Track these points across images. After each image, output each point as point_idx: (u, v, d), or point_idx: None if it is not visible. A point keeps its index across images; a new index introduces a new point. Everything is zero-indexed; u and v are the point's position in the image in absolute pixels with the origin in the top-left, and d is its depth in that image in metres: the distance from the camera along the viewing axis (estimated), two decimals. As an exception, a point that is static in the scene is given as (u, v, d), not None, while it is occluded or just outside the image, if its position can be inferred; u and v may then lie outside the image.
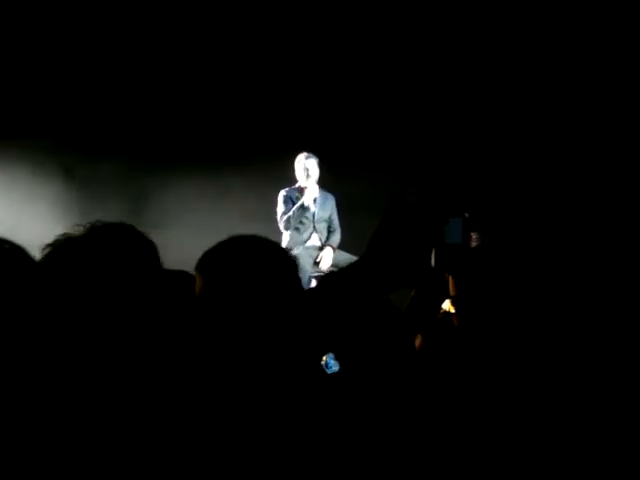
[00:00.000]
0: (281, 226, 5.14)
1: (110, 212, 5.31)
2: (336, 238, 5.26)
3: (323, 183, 5.27)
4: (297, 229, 5.13)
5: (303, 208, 5.12)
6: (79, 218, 1.26)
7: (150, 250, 1.23)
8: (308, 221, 5.16)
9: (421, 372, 1.58)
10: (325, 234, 5.24)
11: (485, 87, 5.70)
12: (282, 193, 5.20)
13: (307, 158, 5.19)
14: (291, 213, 5.11)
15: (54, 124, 5.91)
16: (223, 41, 5.91)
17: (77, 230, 1.19)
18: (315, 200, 5.20)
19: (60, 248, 1.18)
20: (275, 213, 5.20)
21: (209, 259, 1.30)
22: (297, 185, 5.23)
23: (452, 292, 1.84)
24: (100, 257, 1.16)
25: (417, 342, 1.82)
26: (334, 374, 1.48)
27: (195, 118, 6.03)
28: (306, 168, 5.16)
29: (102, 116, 5.98)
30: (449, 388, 1.55)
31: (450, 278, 1.84)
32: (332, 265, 5.07)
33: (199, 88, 6.01)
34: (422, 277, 1.25)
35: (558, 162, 5.51)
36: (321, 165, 5.23)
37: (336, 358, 1.27)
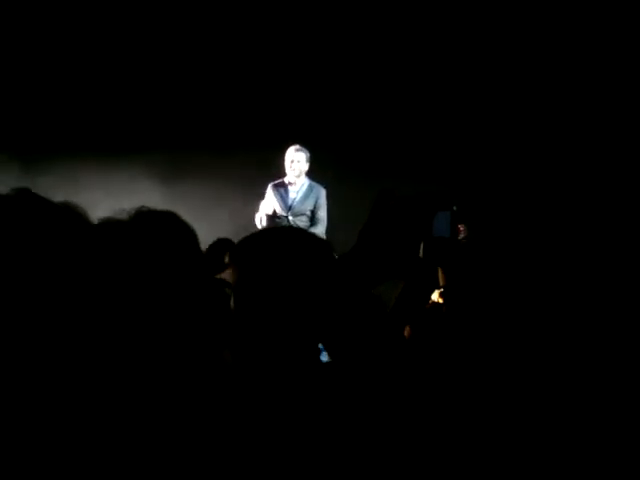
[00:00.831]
0: (256, 220, 5.04)
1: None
2: (316, 231, 4.94)
3: (314, 176, 5.19)
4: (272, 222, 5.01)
5: (281, 201, 5.05)
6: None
7: (192, 239, 1.22)
8: (283, 215, 5.06)
9: (409, 362, 1.60)
10: (303, 227, 4.99)
11: (474, 82, 5.70)
12: (268, 187, 5.11)
13: (296, 151, 5.07)
14: (264, 215, 5.03)
15: None
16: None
17: (121, 215, 1.17)
18: (297, 193, 5.09)
19: (105, 231, 1.16)
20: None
21: (245, 250, 1.26)
22: (282, 179, 5.12)
23: (442, 283, 1.86)
24: (146, 242, 1.15)
25: (406, 332, 1.84)
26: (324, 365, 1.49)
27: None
28: (291, 160, 5.04)
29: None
30: (437, 378, 1.56)
31: (439, 269, 1.86)
32: None
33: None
34: (411, 269, 1.27)
35: (546, 155, 5.54)
36: (313, 159, 5.13)
37: (325, 349, 1.28)
